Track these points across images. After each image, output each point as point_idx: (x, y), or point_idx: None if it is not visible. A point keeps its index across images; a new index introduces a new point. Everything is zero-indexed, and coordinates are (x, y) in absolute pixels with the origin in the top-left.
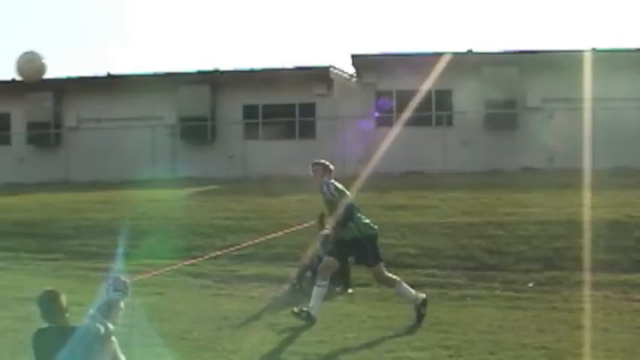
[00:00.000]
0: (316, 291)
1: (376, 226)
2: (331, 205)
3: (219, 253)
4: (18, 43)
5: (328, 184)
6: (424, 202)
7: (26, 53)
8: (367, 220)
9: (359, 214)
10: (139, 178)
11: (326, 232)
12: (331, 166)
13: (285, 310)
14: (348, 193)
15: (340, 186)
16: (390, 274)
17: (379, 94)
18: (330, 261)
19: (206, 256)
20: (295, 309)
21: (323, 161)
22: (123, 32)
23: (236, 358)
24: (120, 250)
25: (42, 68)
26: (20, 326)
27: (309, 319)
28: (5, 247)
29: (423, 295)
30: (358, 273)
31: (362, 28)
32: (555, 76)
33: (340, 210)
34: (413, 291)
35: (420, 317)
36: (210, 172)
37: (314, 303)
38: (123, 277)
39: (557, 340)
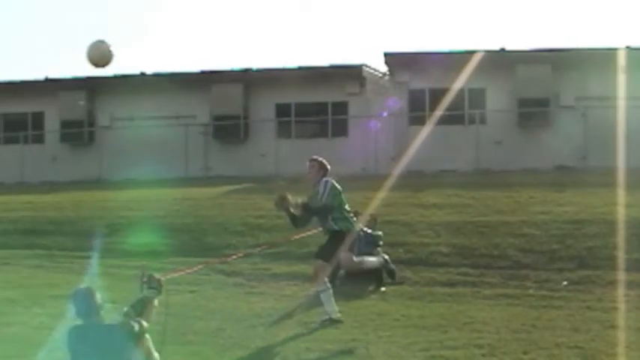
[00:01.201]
0: (322, 297)
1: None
2: (313, 202)
3: (251, 251)
4: (50, 42)
5: (326, 183)
6: (457, 200)
7: (96, 41)
8: (348, 216)
9: (345, 207)
10: (172, 177)
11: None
12: (328, 166)
13: (317, 308)
14: (343, 197)
15: (338, 186)
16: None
17: (412, 93)
18: (319, 265)
19: (234, 257)
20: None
21: (320, 159)
22: (156, 31)
23: (268, 355)
24: (96, 247)
25: (109, 55)
26: (55, 323)
27: (335, 323)
28: (39, 245)
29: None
30: None
31: (394, 26)
32: (589, 74)
33: (313, 210)
34: (334, 306)
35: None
36: (242, 170)
37: (328, 308)
38: (157, 275)
39: (591, 340)
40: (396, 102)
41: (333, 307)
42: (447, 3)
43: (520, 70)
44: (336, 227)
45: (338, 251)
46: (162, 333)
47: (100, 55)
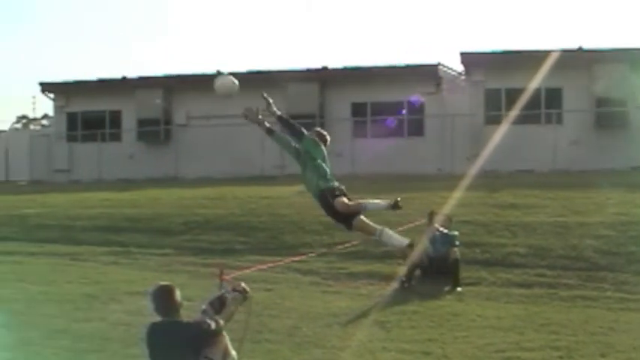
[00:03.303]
0: (383, 239)
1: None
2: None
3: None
4: (130, 42)
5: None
6: (534, 201)
7: (221, 76)
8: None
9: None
10: (248, 175)
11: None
12: (327, 137)
13: (394, 307)
14: (327, 162)
15: (322, 146)
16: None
17: (488, 92)
18: (356, 223)
19: (296, 259)
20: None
21: (320, 129)
22: (232, 30)
23: (344, 354)
24: None
25: (233, 87)
26: (131, 319)
27: (409, 246)
28: (116, 242)
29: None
30: (467, 272)
31: (471, 25)
32: None
33: (284, 120)
34: (398, 238)
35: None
36: None
37: (396, 243)
38: (243, 284)
39: None
40: (418, 99)
41: (398, 239)
42: (524, 2)
43: (597, 69)
44: (313, 182)
45: (349, 201)
46: (244, 330)
47: (225, 89)
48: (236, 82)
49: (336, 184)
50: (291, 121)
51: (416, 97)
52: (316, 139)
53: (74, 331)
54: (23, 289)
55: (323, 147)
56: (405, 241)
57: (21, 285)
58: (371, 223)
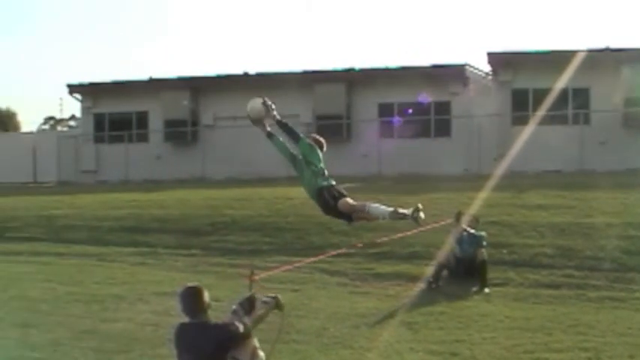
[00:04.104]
0: (392, 216)
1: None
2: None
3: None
4: (159, 40)
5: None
6: (561, 201)
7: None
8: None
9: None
10: (274, 176)
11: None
12: (323, 142)
13: (421, 308)
14: (324, 162)
15: (316, 147)
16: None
17: (515, 92)
18: (358, 214)
19: (315, 258)
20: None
21: (317, 135)
22: (259, 31)
23: (372, 355)
24: None
25: (263, 110)
26: (159, 320)
27: (416, 211)
28: (143, 243)
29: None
30: (495, 273)
31: (498, 25)
32: None
33: (282, 124)
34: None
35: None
36: (345, 169)
37: (400, 214)
38: (273, 294)
39: None
40: (426, 98)
41: (404, 212)
42: (551, 2)
43: (625, 69)
44: (312, 182)
45: (353, 202)
46: (277, 334)
47: (256, 112)
48: (268, 101)
49: (333, 182)
50: (290, 125)
51: (423, 97)
52: (312, 143)
53: (102, 332)
54: (51, 290)
55: (319, 151)
56: (409, 210)
57: (49, 285)
58: (354, 205)
